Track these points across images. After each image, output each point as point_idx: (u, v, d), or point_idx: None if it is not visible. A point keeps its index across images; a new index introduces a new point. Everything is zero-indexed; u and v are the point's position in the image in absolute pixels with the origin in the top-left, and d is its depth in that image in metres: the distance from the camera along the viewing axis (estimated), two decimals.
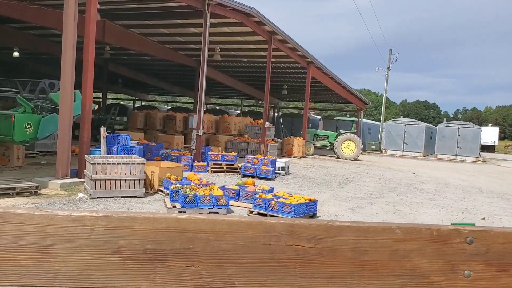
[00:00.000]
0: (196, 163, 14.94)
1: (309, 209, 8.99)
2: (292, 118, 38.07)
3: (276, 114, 37.65)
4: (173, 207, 8.83)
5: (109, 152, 12.05)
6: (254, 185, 10.51)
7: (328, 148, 27.87)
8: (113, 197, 9.64)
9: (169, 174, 10.46)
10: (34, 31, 24.06)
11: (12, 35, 23.60)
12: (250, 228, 1.17)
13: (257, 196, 9.05)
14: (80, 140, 11.19)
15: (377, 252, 1.20)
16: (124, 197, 9.75)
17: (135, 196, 9.85)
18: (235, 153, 15.77)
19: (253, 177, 14.11)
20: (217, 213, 8.80)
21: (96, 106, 13.30)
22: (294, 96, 38.54)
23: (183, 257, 1.15)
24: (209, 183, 10.35)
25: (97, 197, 9.46)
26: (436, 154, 35.02)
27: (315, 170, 18.37)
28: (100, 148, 11.37)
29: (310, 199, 9.10)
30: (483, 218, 10.52)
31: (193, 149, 16.27)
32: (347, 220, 1.80)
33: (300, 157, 24.18)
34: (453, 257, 1.23)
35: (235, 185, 10.52)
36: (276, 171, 15.46)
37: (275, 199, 8.82)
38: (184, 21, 20.00)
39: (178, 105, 47.13)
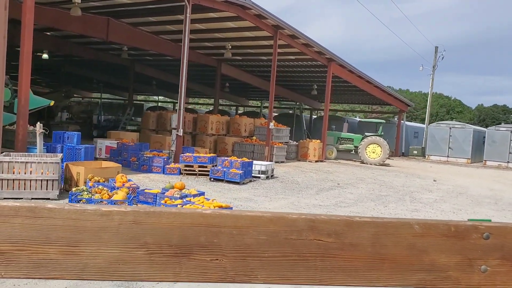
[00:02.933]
0: (168, 166, 13.98)
1: None
2: (330, 121, 36.19)
3: (304, 115, 35.98)
4: None
5: (52, 150, 11.39)
6: (183, 189, 9.33)
7: (353, 152, 25.94)
8: (22, 198, 8.86)
9: (91, 175, 9.55)
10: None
11: None
12: (272, 223, 1.20)
13: (162, 202, 7.89)
14: (16, 138, 10.58)
15: (396, 247, 1.24)
16: (35, 198, 8.94)
17: (48, 198, 9.02)
18: (212, 154, 14.65)
19: (221, 180, 12.95)
20: None
21: (52, 102, 12.75)
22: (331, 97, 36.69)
23: (207, 251, 1.18)
24: (133, 186, 9.32)
25: (4, 198, 8.72)
26: (485, 160, 31.79)
27: (312, 175, 16.80)
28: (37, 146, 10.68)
29: (221, 206, 7.80)
30: None
31: (172, 150, 15.33)
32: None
33: (316, 161, 22.57)
34: (470, 252, 1.26)
35: (162, 188, 9.40)
36: (254, 175, 14.17)
37: (179, 206, 7.61)
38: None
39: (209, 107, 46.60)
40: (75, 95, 49.70)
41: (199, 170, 13.70)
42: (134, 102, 44.53)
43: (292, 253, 1.19)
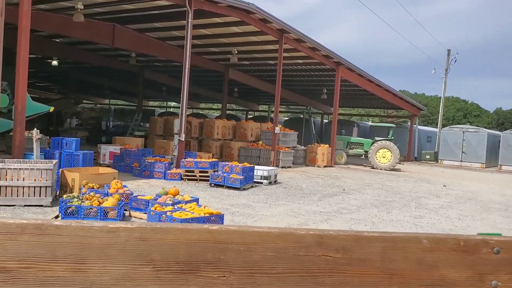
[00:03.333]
0: (169, 171, 13.84)
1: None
2: (341, 125, 35.84)
3: (316, 120, 35.66)
4: (56, 217, 7.75)
5: (50, 156, 11.31)
6: (177, 195, 9.15)
7: (363, 157, 25.55)
8: (15, 205, 8.78)
9: (85, 181, 9.44)
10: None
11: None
12: (280, 239, 1.20)
13: (152, 208, 7.72)
14: (13, 144, 10.53)
15: (404, 262, 1.22)
16: (28, 205, 8.85)
17: (41, 205, 8.91)
18: (213, 159, 14.48)
19: (221, 186, 12.76)
20: None
21: (52, 108, 12.70)
22: (341, 101, 36.33)
23: (214, 268, 1.17)
24: (126, 192, 9.17)
25: None
26: (500, 165, 31.08)
27: (318, 181, 16.52)
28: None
29: (211, 213, 7.60)
30: None
31: (174, 155, 15.19)
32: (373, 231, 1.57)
33: (324, 166, 22.24)
34: (480, 267, 1.24)
35: (156, 194, 9.23)
36: (256, 180, 13.95)
37: (169, 212, 7.44)
38: (193, 21, 19.06)
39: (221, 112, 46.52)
40: (87, 102, 50.15)
41: (200, 176, 13.53)
42: (146, 108, 44.78)
43: (300, 269, 1.20)
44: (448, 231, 9.37)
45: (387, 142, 24.24)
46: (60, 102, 27.32)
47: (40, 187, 8.95)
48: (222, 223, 7.71)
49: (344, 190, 14.50)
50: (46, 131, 26.02)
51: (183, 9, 15.17)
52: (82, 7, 15.35)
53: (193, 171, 13.64)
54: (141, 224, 1.17)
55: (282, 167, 19.81)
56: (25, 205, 8.81)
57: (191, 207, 7.99)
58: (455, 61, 35.24)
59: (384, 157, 23.99)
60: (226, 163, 13.64)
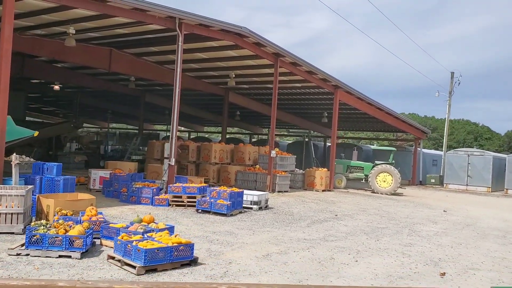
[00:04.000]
0: (157, 197, 13.56)
1: (179, 255, 7.16)
2: (344, 149, 35.43)
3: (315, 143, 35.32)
4: (21, 245, 7.48)
5: (31, 182, 11.10)
6: (151, 222, 8.84)
7: (363, 181, 25.07)
8: None
9: (59, 208, 9.18)
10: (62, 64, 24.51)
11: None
12: None
13: (118, 238, 7.41)
14: None
15: None
16: None
17: (12, 233, 8.65)
18: (203, 184, 14.17)
19: (208, 212, 12.43)
20: (70, 256, 7.33)
21: (36, 133, 12.56)
22: (341, 125, 36.06)
23: None
24: (100, 219, 8.89)
25: None
26: (506, 189, 30.38)
27: (311, 206, 16.11)
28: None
29: (180, 242, 7.27)
30: (443, 274, 7.91)
31: (164, 180, 14.91)
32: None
33: (323, 191, 21.82)
34: None
35: (130, 221, 8.94)
36: (246, 206, 13.61)
37: (136, 242, 7.13)
38: (188, 45, 19.03)
39: (228, 136, 46.42)
40: (93, 126, 50.35)
41: (188, 201, 13.22)
42: (151, 131, 44.81)
43: None
44: (437, 260, 8.93)
45: (388, 166, 23.79)
46: (60, 127, 27.32)
47: (12, 214, 8.71)
48: (192, 252, 7.37)
49: (336, 215, 14.09)
50: (46, 156, 25.99)
51: (174, 33, 15.09)
52: (73, 31, 15.34)
53: (180, 197, 13.34)
54: (147, 283, 1.19)
55: (279, 192, 19.45)
56: None
57: (161, 235, 7.67)
58: (459, 83, 34.89)
59: (384, 181, 23.51)
60: (214, 188, 13.34)
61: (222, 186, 13.96)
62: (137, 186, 13.88)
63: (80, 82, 27.46)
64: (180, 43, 14.95)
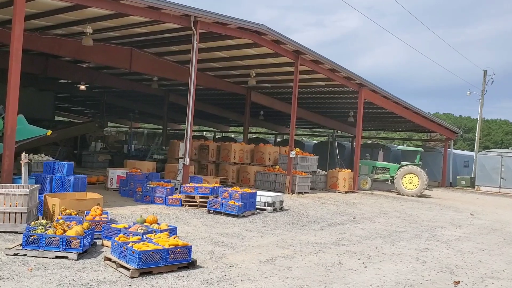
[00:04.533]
0: (170, 197, 13.40)
1: (175, 257, 6.91)
2: (372, 149, 34.63)
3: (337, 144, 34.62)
4: (20, 245, 7.38)
5: (42, 181, 11.09)
6: (154, 223, 8.65)
7: (388, 182, 24.34)
8: None
9: (63, 207, 9.09)
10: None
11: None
12: None
13: (115, 239, 7.22)
14: (2, 168, 10.38)
15: None
16: (2, 232, 8.56)
17: (16, 232, 8.60)
18: (216, 185, 13.92)
19: (219, 213, 12.17)
20: (67, 257, 7.19)
21: (49, 132, 12.57)
22: (369, 124, 35.32)
23: None
24: (104, 219, 8.76)
25: None
26: None
27: (330, 208, 15.66)
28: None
29: (177, 245, 7.03)
30: (457, 282, 7.40)
31: (178, 180, 14.74)
32: None
33: (346, 192, 21.27)
34: None
35: (133, 222, 8.76)
36: (260, 207, 13.29)
37: (132, 243, 6.92)
38: (206, 44, 18.87)
39: (254, 136, 46.21)
40: (122, 126, 51.01)
41: (201, 202, 13.00)
42: (177, 131, 45.05)
43: None
44: (454, 267, 8.40)
45: (414, 167, 23.01)
46: (84, 126, 27.64)
47: (15, 213, 8.66)
48: (190, 255, 7.11)
49: (354, 218, 13.60)
50: (71, 155, 26.37)
51: (195, 32, 14.86)
52: (91, 31, 15.37)
53: (193, 197, 13.14)
54: None
55: (298, 193, 19.04)
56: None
57: (160, 237, 7.45)
58: (492, 82, 33.59)
59: (410, 183, 22.76)
60: (226, 188, 13.08)
61: (234, 187, 13.69)
62: (151, 185, 13.76)
63: (105, 82, 27.74)
64: (195, 42, 14.76)
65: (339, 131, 38.33)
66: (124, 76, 27.43)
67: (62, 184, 11.02)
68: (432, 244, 10.45)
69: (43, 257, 7.19)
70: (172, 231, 8.38)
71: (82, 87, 29.52)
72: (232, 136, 47.11)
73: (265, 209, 13.30)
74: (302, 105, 30.50)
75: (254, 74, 21.80)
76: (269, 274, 7.18)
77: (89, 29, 15.35)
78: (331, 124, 34.55)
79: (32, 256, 7.20)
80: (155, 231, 8.00)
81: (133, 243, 6.92)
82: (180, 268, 7.03)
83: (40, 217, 9.73)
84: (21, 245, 7.41)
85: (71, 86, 31.24)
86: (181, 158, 15.01)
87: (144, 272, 6.67)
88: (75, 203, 9.51)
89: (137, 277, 6.55)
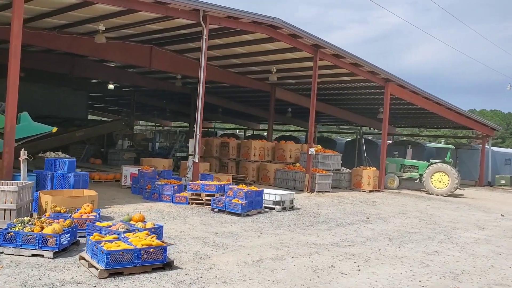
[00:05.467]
0: (177, 194, 13.16)
1: (148, 258, 6.60)
2: (404, 147, 33.43)
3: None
4: None
5: (43, 178, 11.07)
6: (140, 221, 8.38)
7: (417, 181, 23.31)
8: None
9: (53, 204, 8.97)
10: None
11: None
12: None
13: (91, 238, 6.98)
14: (1, 164, 10.39)
15: None
16: None
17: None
18: (223, 182, 13.57)
19: (222, 211, 11.82)
20: (42, 255, 7.01)
21: (55, 129, 12.54)
22: (399, 121, 34.13)
23: None
24: (91, 217, 8.56)
25: None
26: None
27: (346, 207, 15.02)
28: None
29: (151, 245, 6.71)
30: None
31: (187, 178, 14.48)
32: None
33: (370, 191, 20.48)
34: None
35: (120, 220, 8.51)
36: (268, 206, 12.85)
37: (104, 243, 6.66)
38: (224, 40, 18.58)
39: (287, 133, 45.63)
40: (157, 124, 51.63)
41: (206, 200, 12.68)
42: (208, 129, 45.13)
43: None
44: (459, 272, 7.71)
45: (444, 165, 21.91)
46: (111, 124, 27.97)
47: (5, 210, 8.60)
48: (165, 256, 6.78)
49: (368, 218, 12.94)
50: (98, 152, 26.72)
51: (204, 27, 14.56)
52: (103, 28, 15.35)
53: (199, 195, 12.84)
54: None
55: (318, 192, 18.44)
56: None
57: (138, 236, 7.16)
58: None
59: (440, 182, 21.69)
60: (232, 186, 12.70)
61: (240, 185, 13.29)
62: (160, 183, 13.57)
63: (131, 81, 27.97)
64: (204, 37, 14.48)
65: (372, 128, 37.30)
66: (149, 75, 27.56)
67: (62, 181, 10.96)
68: (444, 247, 9.72)
69: (19, 255, 7.04)
70: (158, 230, 8.08)
71: (111, 86, 29.91)
72: (265, 134, 46.75)
73: (273, 208, 12.84)
74: (328, 101, 29.82)
75: (275, 70, 21.33)
76: (250, 277, 6.75)
77: (101, 26, 15.34)
78: (361, 121, 33.59)
79: (9, 254, 7.07)
80: (138, 230, 7.73)
81: (105, 242, 6.66)
82: (155, 269, 6.71)
83: (35, 213, 9.66)
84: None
85: (102, 85, 31.72)
86: (191, 155, 14.75)
87: (115, 272, 6.39)
88: (67, 200, 9.38)
89: (105, 277, 6.27)
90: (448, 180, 21.53)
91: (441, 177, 21.74)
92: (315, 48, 18.25)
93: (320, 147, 20.58)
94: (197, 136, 14.43)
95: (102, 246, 6.47)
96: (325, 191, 18.79)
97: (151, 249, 6.65)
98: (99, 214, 9.00)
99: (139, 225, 8.08)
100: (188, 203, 12.94)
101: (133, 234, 7.32)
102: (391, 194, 20.55)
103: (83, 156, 25.70)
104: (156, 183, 13.61)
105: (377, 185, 21.23)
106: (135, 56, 20.16)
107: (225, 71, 24.06)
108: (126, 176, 16.03)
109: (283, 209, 12.95)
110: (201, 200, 12.79)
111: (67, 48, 18.40)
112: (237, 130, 50.47)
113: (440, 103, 25.38)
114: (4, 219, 8.58)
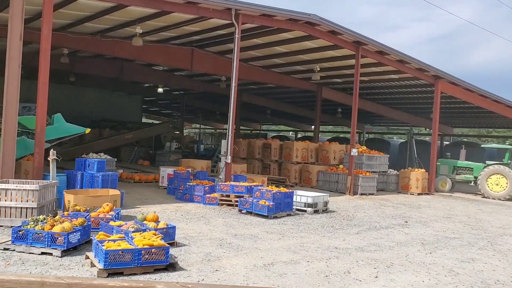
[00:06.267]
0: (208, 195, 13.02)
1: (149, 258, 6.44)
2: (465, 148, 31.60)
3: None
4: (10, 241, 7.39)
5: (73, 177, 11.28)
6: (154, 221, 8.25)
7: (472, 183, 21.89)
8: (2, 226, 8.72)
9: (74, 203, 9.06)
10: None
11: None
12: None
13: (96, 236, 6.93)
14: (33, 165, 10.69)
15: None
16: (13, 227, 8.70)
17: None
18: (254, 184, 13.25)
19: (250, 213, 11.53)
20: (51, 254, 7.05)
21: (88, 130, 12.75)
22: (460, 121, 32.39)
23: None
24: (108, 216, 8.56)
25: None
26: None
27: (385, 211, 14.27)
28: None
29: (152, 245, 6.54)
30: None
31: (220, 178, 14.30)
32: None
33: (418, 194, 19.46)
34: None
35: (135, 220, 8.43)
36: (300, 208, 12.42)
37: (106, 242, 6.58)
38: (263, 39, 18.35)
39: (341, 135, 44.61)
40: (209, 127, 52.27)
41: (235, 201, 12.44)
42: (259, 131, 45.08)
43: None
44: (493, 283, 6.98)
45: (502, 166, 20.43)
46: (158, 127, 28.50)
47: (27, 208, 8.78)
48: (167, 257, 6.58)
49: (406, 222, 12.18)
50: (146, 154, 27.30)
51: (242, 25, 14.39)
52: (140, 31, 15.58)
53: (229, 196, 12.64)
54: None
55: (362, 194, 17.72)
56: (11, 226, 8.63)
57: (144, 236, 7.02)
58: None
59: (497, 185, 20.24)
60: (260, 187, 12.38)
61: (270, 186, 12.94)
62: (191, 184, 13.50)
63: (178, 84, 28.38)
64: (237, 35, 14.29)
65: (427, 129, 35.66)
66: (195, 78, 27.83)
67: (91, 180, 11.11)
68: (483, 254, 8.90)
69: (29, 253, 7.10)
70: (170, 230, 7.93)
71: (160, 90, 30.54)
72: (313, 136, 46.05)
73: (305, 211, 12.40)
74: (378, 100, 28.83)
75: (319, 69, 20.81)
76: (254, 280, 6.42)
77: (138, 29, 15.56)
78: (415, 121, 32.19)
79: (20, 251, 7.15)
80: (149, 230, 7.61)
81: (108, 242, 6.57)
82: (157, 270, 6.54)
83: (61, 212, 9.82)
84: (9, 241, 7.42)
85: (154, 89, 32.44)
86: (223, 155, 14.58)
87: (114, 272, 6.28)
88: (88, 200, 9.47)
89: (104, 277, 6.17)
90: (506, 183, 20.04)
91: (498, 180, 20.29)
92: (356, 45, 17.59)
93: (364, 147, 19.85)
94: (229, 136, 14.24)
95: (103, 245, 6.38)
96: (369, 194, 18.02)
97: (153, 249, 6.48)
98: (118, 213, 9.00)
99: (151, 225, 7.96)
100: (218, 204, 12.76)
101: (140, 233, 7.20)
102: (440, 197, 19.41)
103: (132, 157, 26.34)
104: (187, 183, 13.55)
105: (426, 188, 20.14)
106: (176, 58, 20.35)
107: (268, 72, 23.80)
108: (163, 177, 16.13)
109: (316, 211, 12.47)
110: (231, 201, 12.58)
111: (110, 52, 18.88)
112: (290, 132, 50.09)
113: (498, 101, 23.72)
114: (26, 217, 8.76)
